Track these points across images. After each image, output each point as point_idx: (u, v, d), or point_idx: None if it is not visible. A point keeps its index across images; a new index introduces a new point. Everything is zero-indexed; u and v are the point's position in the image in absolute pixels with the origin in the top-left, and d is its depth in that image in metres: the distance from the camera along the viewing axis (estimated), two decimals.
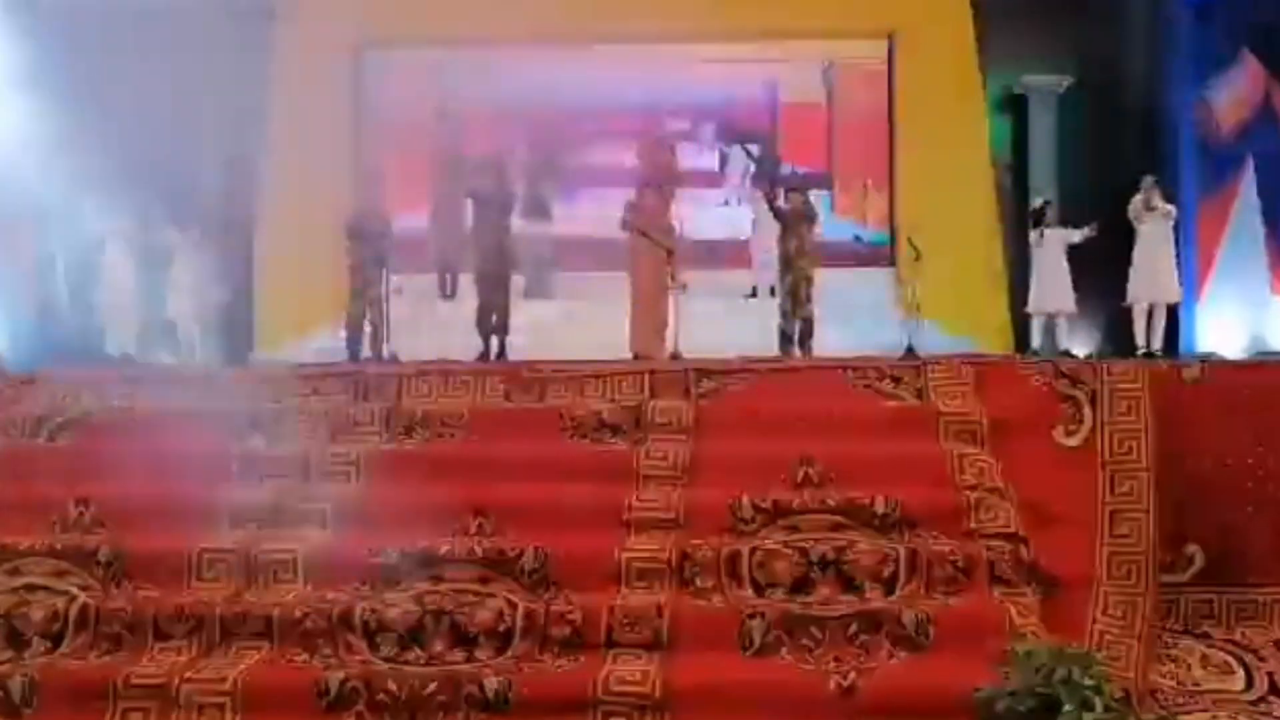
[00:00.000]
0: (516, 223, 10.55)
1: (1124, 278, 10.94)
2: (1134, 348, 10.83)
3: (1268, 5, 11.55)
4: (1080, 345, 11.71)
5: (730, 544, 5.91)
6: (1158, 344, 10.86)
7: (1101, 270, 11.15)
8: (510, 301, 9.97)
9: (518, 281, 11.16)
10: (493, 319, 9.86)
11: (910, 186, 12.95)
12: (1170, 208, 10.80)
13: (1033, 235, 11.27)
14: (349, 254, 9.92)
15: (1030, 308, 11.34)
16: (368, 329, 9.93)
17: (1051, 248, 11.06)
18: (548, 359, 7.98)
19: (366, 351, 9.87)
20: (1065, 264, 11.06)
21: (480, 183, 10.19)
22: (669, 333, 9.79)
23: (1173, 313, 11.26)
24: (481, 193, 10.14)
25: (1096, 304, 11.68)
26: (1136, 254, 10.87)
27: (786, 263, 10.07)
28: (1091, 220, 10.85)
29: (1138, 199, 10.64)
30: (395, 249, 10.18)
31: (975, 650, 5.25)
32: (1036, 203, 11.70)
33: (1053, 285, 11.10)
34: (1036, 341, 11.29)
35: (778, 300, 10.30)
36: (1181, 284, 11.29)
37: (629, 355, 9.49)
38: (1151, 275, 10.81)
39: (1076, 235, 10.91)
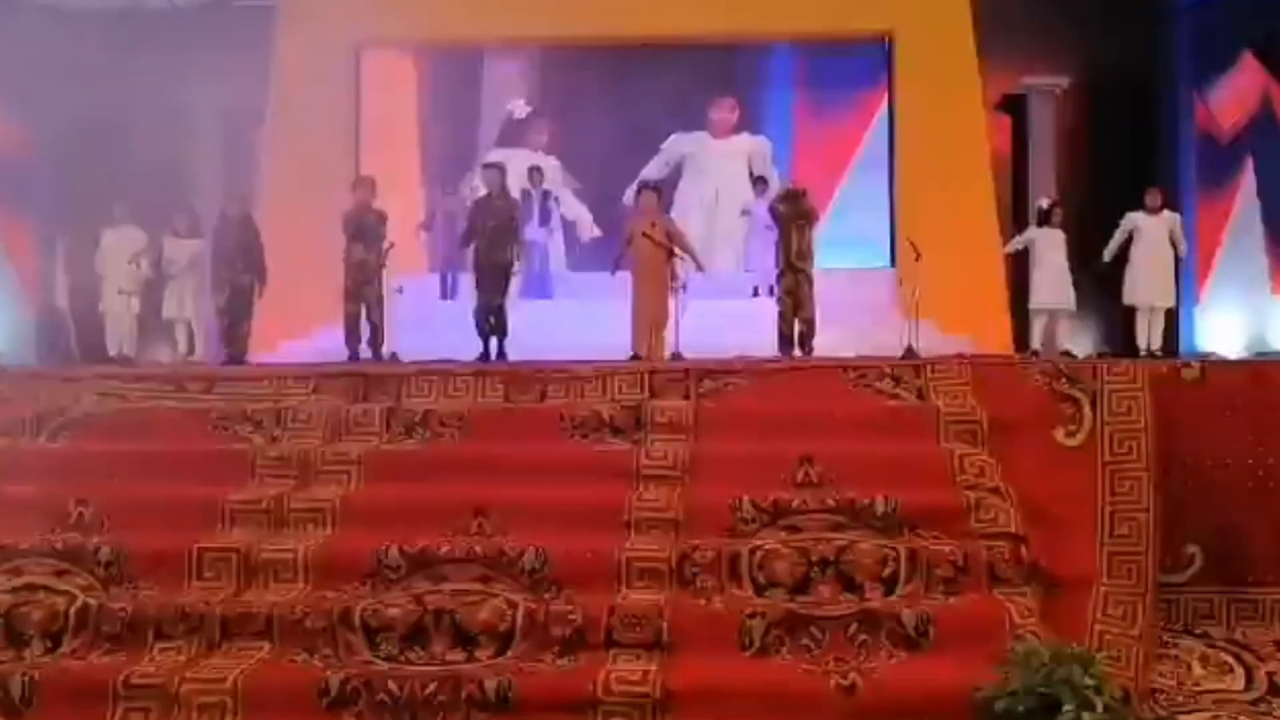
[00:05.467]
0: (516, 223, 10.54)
1: (1123, 278, 10.98)
2: (1134, 348, 10.86)
3: (1268, 6, 11.57)
4: (1080, 345, 11.73)
5: (731, 544, 5.90)
6: (1156, 345, 10.89)
7: (1101, 270, 11.18)
8: (507, 303, 9.95)
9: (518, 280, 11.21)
10: (490, 320, 9.86)
11: (910, 186, 12.96)
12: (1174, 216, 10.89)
13: (1039, 232, 11.30)
14: (346, 252, 9.93)
15: (1031, 304, 11.37)
16: (366, 329, 9.94)
17: (1053, 245, 11.10)
18: (548, 359, 7.98)
19: (366, 351, 9.88)
20: (1065, 262, 11.10)
21: (480, 183, 10.20)
22: (669, 333, 9.80)
23: (1172, 313, 11.29)
24: (481, 193, 10.15)
25: (1096, 304, 11.71)
26: (1134, 256, 10.91)
27: (786, 264, 10.08)
28: (1091, 226, 10.95)
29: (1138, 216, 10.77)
30: (391, 250, 10.19)
31: (975, 650, 5.24)
32: (1044, 202, 11.73)
33: (1053, 282, 11.13)
34: (1036, 342, 11.32)
35: (776, 299, 10.30)
36: (1180, 284, 11.32)
37: (629, 355, 9.52)
38: (1147, 278, 10.85)
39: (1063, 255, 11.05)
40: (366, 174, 10.91)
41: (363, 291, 9.89)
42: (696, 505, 6.16)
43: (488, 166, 10.65)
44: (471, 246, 10.11)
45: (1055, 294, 11.14)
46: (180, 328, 11.61)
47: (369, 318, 9.93)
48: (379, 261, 9.96)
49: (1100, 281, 11.24)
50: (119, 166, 11.74)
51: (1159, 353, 10.76)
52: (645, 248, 9.84)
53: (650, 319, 9.73)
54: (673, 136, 13.66)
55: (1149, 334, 10.96)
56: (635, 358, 9.47)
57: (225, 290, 10.19)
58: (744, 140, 13.73)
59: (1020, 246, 11.45)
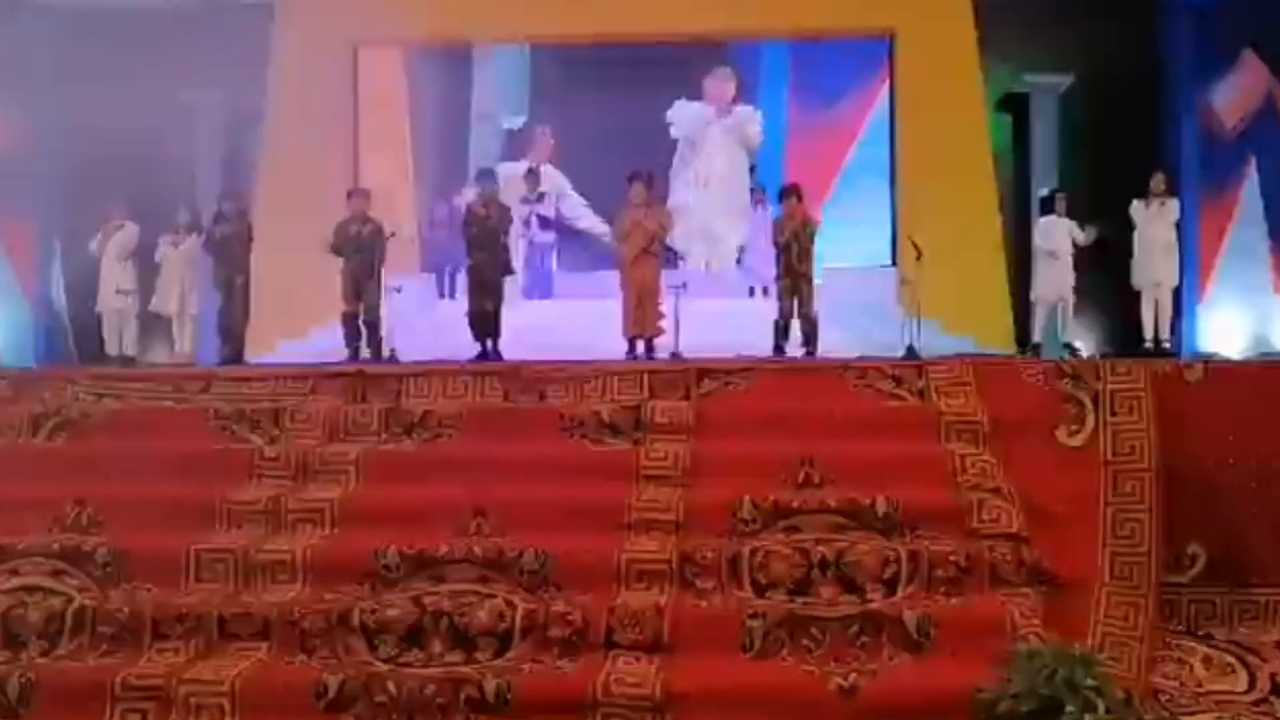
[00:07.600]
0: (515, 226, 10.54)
1: (1127, 271, 11.00)
2: (1138, 341, 10.88)
3: (1268, 5, 11.55)
4: (1083, 338, 11.74)
5: (731, 545, 5.88)
6: (1164, 333, 10.89)
7: (1104, 264, 11.19)
8: (500, 305, 9.93)
9: (519, 281, 11.20)
10: (481, 324, 9.83)
11: (911, 185, 12.94)
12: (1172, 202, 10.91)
13: (1042, 221, 11.31)
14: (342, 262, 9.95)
15: (1034, 295, 11.40)
16: (364, 329, 9.92)
17: (1064, 233, 11.11)
18: (548, 359, 7.96)
19: (365, 351, 9.87)
20: (1068, 257, 11.12)
21: (474, 186, 10.20)
22: (668, 332, 9.80)
23: (1176, 310, 11.30)
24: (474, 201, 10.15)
25: (1100, 296, 11.71)
26: (1138, 240, 10.95)
27: (787, 264, 10.05)
28: (1095, 223, 10.95)
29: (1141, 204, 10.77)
30: (386, 252, 10.17)
31: (977, 651, 5.23)
32: (1044, 191, 11.73)
33: (1054, 273, 11.15)
34: (1038, 335, 11.32)
35: (774, 298, 10.28)
36: (1183, 284, 11.31)
37: (624, 344, 9.57)
38: (1151, 260, 10.89)
39: (1081, 236, 10.99)
40: (363, 186, 10.86)
41: (361, 291, 9.87)
42: (696, 506, 6.14)
43: (481, 175, 10.65)
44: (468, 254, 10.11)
45: (1058, 286, 11.18)
46: (175, 324, 11.58)
47: (367, 318, 9.92)
48: (377, 261, 9.95)
49: (1103, 275, 11.25)
50: (118, 166, 11.71)
51: (1166, 344, 10.76)
52: (637, 232, 9.90)
53: (639, 285, 9.76)
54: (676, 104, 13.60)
55: (1155, 321, 10.94)
56: (631, 341, 9.53)
57: (223, 287, 10.24)
58: (740, 113, 13.66)
59: (1042, 240, 11.39)
